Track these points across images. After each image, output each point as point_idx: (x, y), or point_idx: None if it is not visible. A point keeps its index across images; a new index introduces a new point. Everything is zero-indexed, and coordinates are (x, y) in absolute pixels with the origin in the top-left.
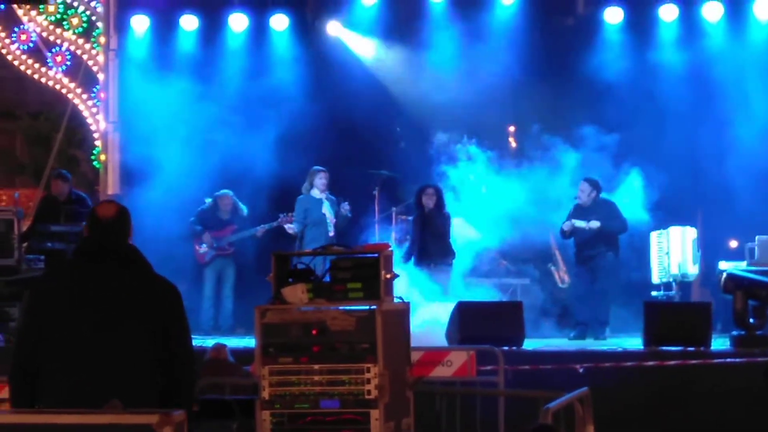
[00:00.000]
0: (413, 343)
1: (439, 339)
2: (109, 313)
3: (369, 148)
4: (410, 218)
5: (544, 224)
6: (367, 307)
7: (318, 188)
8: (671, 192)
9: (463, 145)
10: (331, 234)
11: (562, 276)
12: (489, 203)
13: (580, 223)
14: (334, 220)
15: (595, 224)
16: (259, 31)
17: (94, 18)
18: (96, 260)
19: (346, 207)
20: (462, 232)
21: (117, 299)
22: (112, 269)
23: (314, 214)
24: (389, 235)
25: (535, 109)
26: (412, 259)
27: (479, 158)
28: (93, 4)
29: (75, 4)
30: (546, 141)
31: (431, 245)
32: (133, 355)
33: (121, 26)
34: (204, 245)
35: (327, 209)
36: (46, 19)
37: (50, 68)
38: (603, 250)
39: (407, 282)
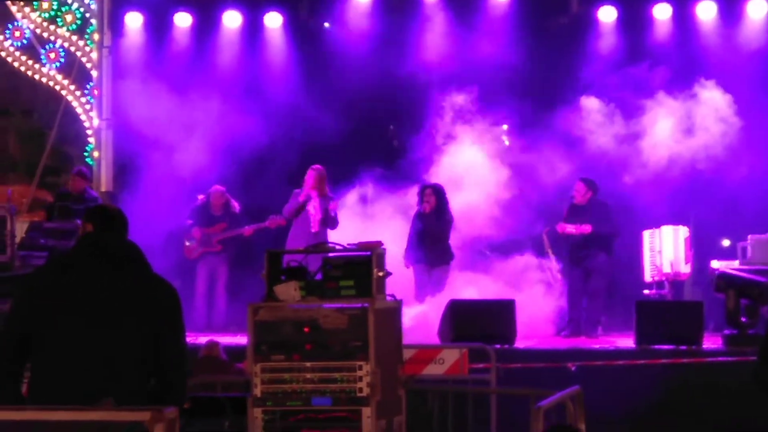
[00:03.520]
0: (405, 340)
1: (431, 338)
2: (102, 311)
3: (363, 145)
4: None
5: (537, 224)
6: (360, 305)
7: (307, 185)
8: (663, 190)
9: (455, 143)
10: (314, 230)
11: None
12: (481, 200)
13: (570, 229)
14: (318, 216)
15: (586, 229)
16: (252, 29)
17: (87, 15)
18: (93, 258)
19: (333, 206)
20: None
21: (112, 298)
22: (109, 268)
23: (302, 212)
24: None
25: (529, 108)
26: (408, 257)
27: (471, 155)
28: (87, 0)
29: (69, 0)
30: (539, 140)
31: (428, 246)
32: (125, 354)
33: (115, 23)
34: (192, 240)
35: (312, 206)
36: (39, 15)
37: (44, 65)
38: (595, 250)
39: (402, 280)
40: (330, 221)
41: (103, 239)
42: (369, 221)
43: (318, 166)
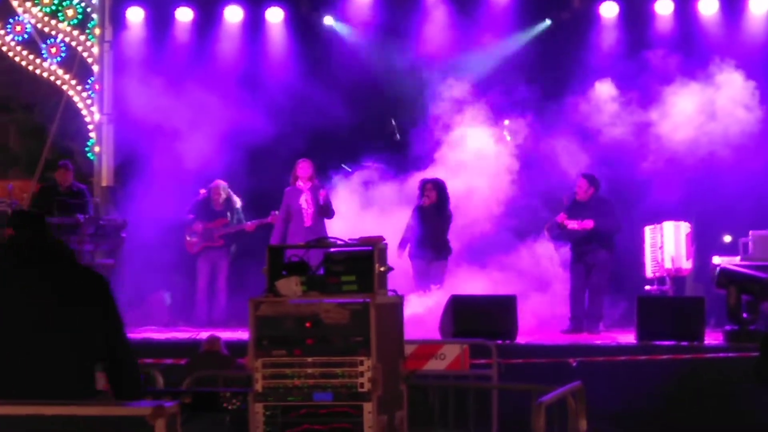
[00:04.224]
0: (405, 335)
1: (430, 332)
2: (36, 309)
3: (365, 137)
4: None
5: (539, 217)
6: (361, 301)
7: (298, 177)
8: (666, 186)
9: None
10: (307, 225)
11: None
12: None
13: (572, 225)
14: (311, 210)
15: (588, 224)
16: (254, 24)
17: (89, 9)
18: (20, 258)
19: (322, 194)
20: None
21: (44, 295)
22: (38, 265)
23: (294, 206)
24: None
25: (530, 103)
26: (407, 250)
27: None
28: None
29: None
30: (540, 134)
31: (427, 240)
32: (56, 353)
33: (116, 18)
34: (193, 235)
35: (303, 200)
36: (41, 10)
37: (45, 60)
38: (597, 246)
39: (401, 273)
40: (325, 211)
41: (23, 241)
42: (369, 212)
43: (306, 159)
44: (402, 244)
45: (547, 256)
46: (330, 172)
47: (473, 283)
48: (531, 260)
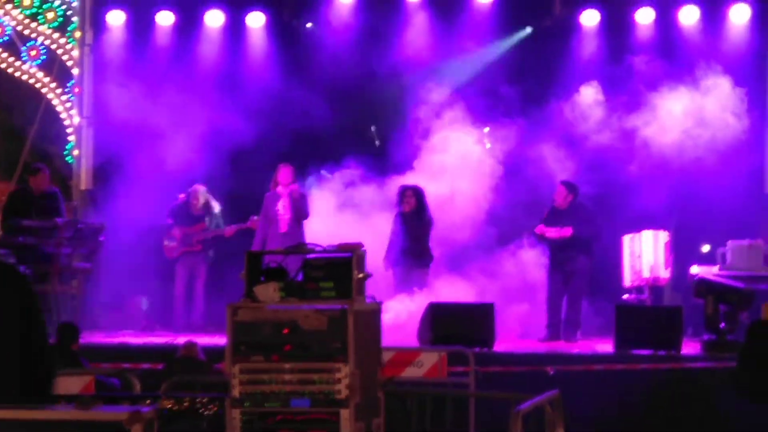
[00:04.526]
0: (383, 341)
1: (409, 339)
2: None
3: (345, 141)
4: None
5: (519, 225)
6: (339, 307)
7: (278, 183)
8: (645, 194)
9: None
10: (282, 231)
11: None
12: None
13: (551, 233)
14: (287, 216)
15: (566, 232)
16: (235, 28)
17: (69, 12)
18: None
19: (295, 188)
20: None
21: None
22: None
23: (271, 211)
24: None
25: (510, 109)
26: (388, 259)
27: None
28: None
29: None
30: (520, 141)
31: (408, 247)
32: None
33: (97, 21)
34: (172, 240)
35: (281, 205)
36: (21, 12)
37: (24, 62)
38: (575, 253)
39: (380, 279)
40: (299, 211)
41: None
42: (349, 216)
43: (286, 164)
44: (388, 257)
45: (528, 262)
46: (309, 175)
47: (453, 290)
48: (512, 267)
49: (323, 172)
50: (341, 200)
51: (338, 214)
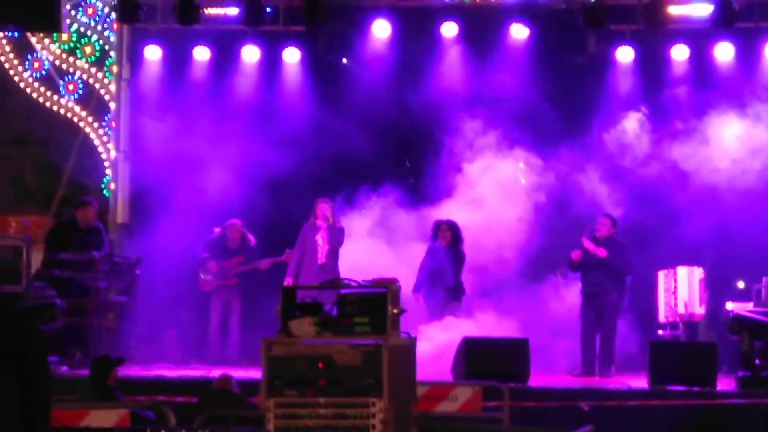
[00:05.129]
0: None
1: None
2: None
3: (379, 182)
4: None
5: (555, 258)
6: (374, 342)
7: (317, 217)
8: (679, 231)
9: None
10: (321, 262)
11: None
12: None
13: (589, 244)
14: (326, 248)
15: (602, 252)
16: (271, 63)
17: (107, 47)
18: None
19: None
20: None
21: None
22: None
23: (309, 242)
24: None
25: (545, 146)
26: (419, 290)
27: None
28: (106, 33)
29: (88, 33)
30: (557, 177)
31: (440, 282)
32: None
33: (134, 56)
34: (208, 273)
35: (319, 237)
36: (59, 47)
37: (62, 96)
38: (608, 287)
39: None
40: (338, 246)
41: None
42: (383, 248)
43: (325, 198)
44: (417, 288)
45: (561, 297)
46: (344, 207)
47: (487, 324)
48: (546, 302)
49: (360, 210)
50: (376, 232)
51: (373, 245)
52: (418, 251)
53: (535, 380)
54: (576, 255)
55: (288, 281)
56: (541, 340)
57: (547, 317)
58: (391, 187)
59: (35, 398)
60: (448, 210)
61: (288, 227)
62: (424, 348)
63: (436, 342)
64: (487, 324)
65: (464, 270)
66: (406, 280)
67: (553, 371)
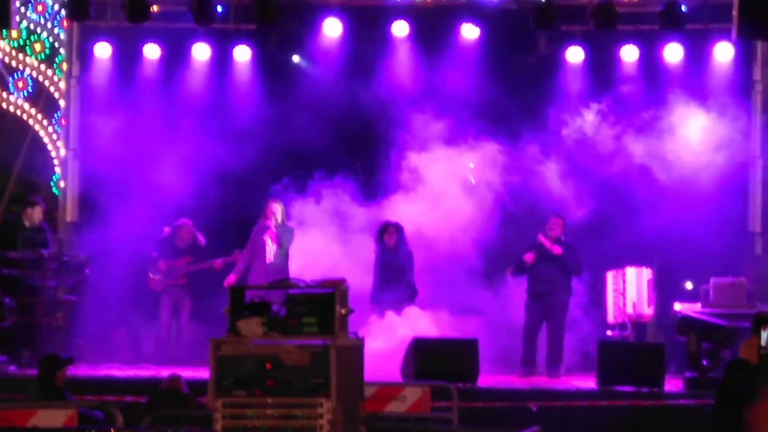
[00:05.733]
0: (366, 376)
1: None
2: None
3: (330, 177)
4: None
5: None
6: (322, 342)
7: (267, 217)
8: (628, 231)
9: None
10: (269, 261)
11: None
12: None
13: (545, 240)
14: (275, 247)
15: (557, 249)
16: (221, 61)
17: (57, 44)
18: None
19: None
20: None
21: None
22: None
23: (259, 242)
24: None
25: (496, 147)
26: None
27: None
28: (56, 30)
29: (38, 30)
30: (505, 178)
31: (392, 282)
32: None
33: (84, 53)
34: (157, 273)
35: (268, 237)
36: (8, 44)
37: (11, 93)
38: (559, 286)
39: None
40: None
41: None
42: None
43: (276, 199)
44: (374, 297)
45: (513, 297)
46: (295, 198)
47: (437, 324)
48: (496, 301)
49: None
50: (325, 227)
51: (322, 243)
52: (367, 246)
53: (484, 381)
54: (529, 257)
55: (231, 278)
56: (497, 340)
57: (503, 315)
58: (342, 182)
59: None
60: (398, 205)
61: (240, 224)
62: (378, 347)
63: (391, 342)
64: (441, 322)
65: (416, 268)
66: (352, 273)
67: (509, 370)
